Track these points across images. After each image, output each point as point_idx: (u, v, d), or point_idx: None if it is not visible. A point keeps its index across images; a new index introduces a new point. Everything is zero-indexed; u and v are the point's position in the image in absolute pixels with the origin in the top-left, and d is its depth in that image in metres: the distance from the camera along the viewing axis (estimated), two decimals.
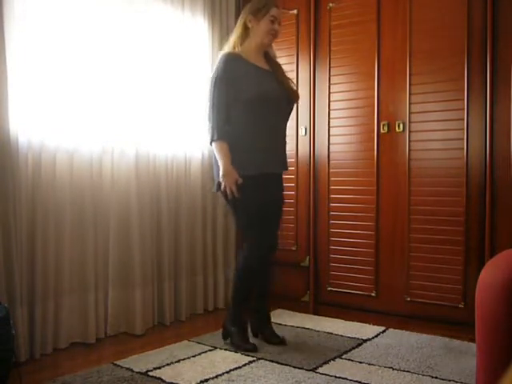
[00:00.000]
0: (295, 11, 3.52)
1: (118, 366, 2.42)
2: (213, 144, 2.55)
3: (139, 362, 2.47)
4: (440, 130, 3.01)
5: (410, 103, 3.09)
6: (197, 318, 3.38)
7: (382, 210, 3.20)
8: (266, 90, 2.55)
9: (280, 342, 2.72)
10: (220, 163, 2.54)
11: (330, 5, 3.37)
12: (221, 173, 2.54)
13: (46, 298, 2.59)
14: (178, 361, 2.49)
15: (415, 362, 2.46)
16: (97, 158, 2.83)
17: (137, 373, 2.33)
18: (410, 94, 3.08)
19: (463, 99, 2.91)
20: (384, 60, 3.19)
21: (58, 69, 2.66)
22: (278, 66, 2.74)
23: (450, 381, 2.22)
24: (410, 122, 3.09)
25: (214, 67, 2.59)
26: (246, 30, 2.64)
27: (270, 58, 2.71)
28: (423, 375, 2.29)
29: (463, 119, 2.92)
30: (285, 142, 2.75)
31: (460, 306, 2.92)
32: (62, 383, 2.22)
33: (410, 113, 3.09)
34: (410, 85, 3.08)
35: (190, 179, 3.39)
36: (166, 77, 3.23)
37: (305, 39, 3.48)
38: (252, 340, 2.71)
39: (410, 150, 3.09)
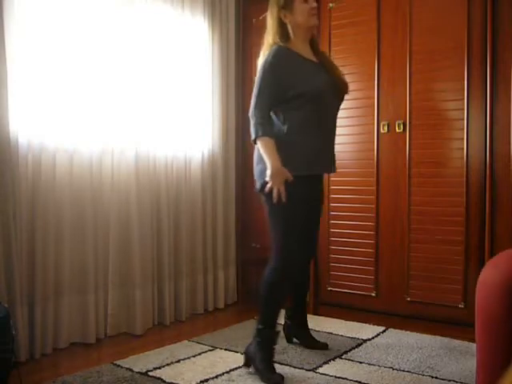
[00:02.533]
0: None
1: (118, 365, 2.42)
2: (257, 141, 2.31)
3: (139, 361, 2.47)
4: (440, 130, 3.01)
5: (410, 103, 3.09)
6: (197, 317, 3.37)
7: (382, 209, 3.19)
8: (318, 84, 2.33)
9: (323, 346, 2.64)
10: (268, 162, 2.27)
11: (330, 5, 3.37)
12: (268, 172, 2.26)
13: (46, 298, 2.59)
14: (178, 361, 2.48)
15: (415, 362, 2.46)
16: (97, 158, 2.83)
17: (137, 373, 2.33)
18: (410, 94, 3.08)
19: (463, 99, 2.91)
20: (384, 60, 3.19)
21: (58, 69, 2.66)
22: (326, 56, 2.54)
23: (449, 381, 2.22)
24: (410, 122, 3.09)
25: (262, 62, 2.35)
26: (282, 26, 2.38)
27: (316, 49, 2.49)
28: (423, 375, 2.29)
29: (463, 119, 2.92)
30: (334, 141, 2.51)
31: (460, 306, 2.92)
32: (61, 383, 2.22)
33: (410, 113, 3.09)
34: (410, 85, 3.08)
35: (190, 179, 3.39)
36: (166, 77, 3.23)
37: None
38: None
39: (410, 150, 3.09)
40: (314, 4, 2.37)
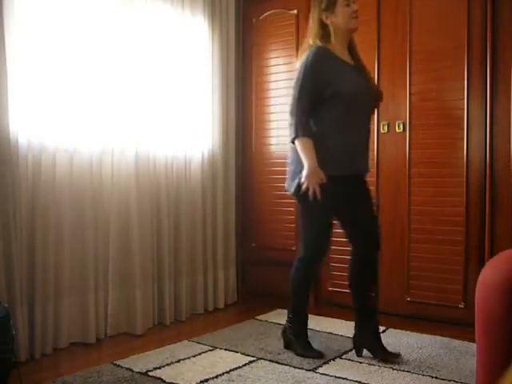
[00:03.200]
0: (295, 11, 3.52)
1: (118, 365, 2.42)
2: (296, 141, 2.35)
3: (139, 361, 2.47)
4: (440, 130, 3.01)
5: (410, 103, 3.09)
6: (197, 317, 3.37)
7: (382, 209, 3.19)
8: (354, 85, 2.36)
9: (397, 356, 2.46)
10: (305, 162, 2.32)
11: None
12: (304, 172, 2.32)
13: (46, 298, 2.59)
14: (178, 361, 2.48)
15: (415, 362, 2.46)
16: (97, 158, 2.83)
17: (137, 373, 2.33)
18: (410, 94, 3.09)
19: (463, 99, 2.91)
20: (384, 60, 3.19)
21: (58, 69, 2.66)
22: (362, 62, 2.52)
23: (449, 381, 2.22)
24: (410, 122, 3.09)
25: (301, 62, 2.38)
26: (324, 28, 2.41)
27: (354, 54, 2.49)
28: (423, 375, 2.29)
29: (463, 119, 2.92)
30: (369, 142, 2.53)
31: (460, 306, 2.92)
32: (62, 383, 2.22)
33: (410, 113, 3.09)
34: (410, 85, 3.08)
35: (190, 179, 3.39)
36: (166, 77, 3.23)
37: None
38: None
39: (410, 150, 3.09)
40: (356, 7, 2.39)
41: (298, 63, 2.45)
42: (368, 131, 2.51)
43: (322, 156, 2.33)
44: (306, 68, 2.34)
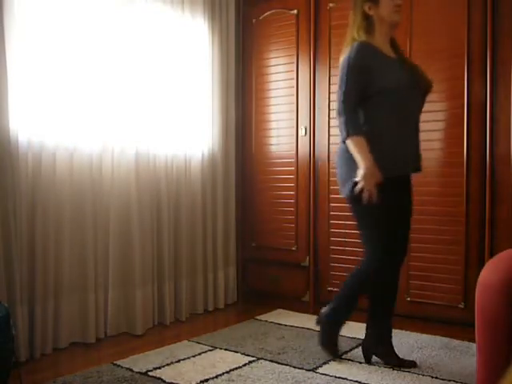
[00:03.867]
0: (295, 11, 3.51)
1: (118, 365, 2.42)
2: (348, 140, 2.25)
3: (139, 361, 2.47)
4: (440, 130, 3.01)
5: None
6: (197, 317, 3.37)
7: None
8: (401, 80, 2.29)
9: (412, 364, 2.40)
10: (361, 161, 2.21)
11: (330, 5, 3.37)
12: (361, 172, 2.20)
13: (46, 298, 2.59)
14: (178, 361, 2.49)
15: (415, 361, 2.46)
16: (97, 157, 2.83)
17: (137, 373, 2.33)
18: None
19: (463, 99, 2.91)
20: None
21: (58, 68, 2.66)
22: (404, 55, 2.49)
23: (449, 381, 2.22)
24: None
25: (345, 58, 2.32)
26: (367, 20, 2.35)
27: (396, 47, 2.44)
28: (423, 375, 2.29)
29: (463, 119, 2.92)
30: (419, 137, 2.41)
31: (460, 306, 2.92)
32: (62, 383, 2.22)
33: None
34: None
35: (190, 179, 3.39)
36: (166, 77, 3.23)
37: (305, 39, 3.47)
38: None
39: None
40: (399, 1, 2.33)
41: (341, 58, 2.37)
42: (418, 128, 2.40)
43: (377, 156, 2.21)
44: (349, 65, 2.27)
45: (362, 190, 2.20)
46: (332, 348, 2.50)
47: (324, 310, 2.51)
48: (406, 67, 2.37)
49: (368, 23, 2.34)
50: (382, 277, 2.39)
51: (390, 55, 2.37)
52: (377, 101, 2.27)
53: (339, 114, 2.28)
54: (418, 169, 2.43)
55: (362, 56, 2.27)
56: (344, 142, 2.28)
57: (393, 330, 2.46)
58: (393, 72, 2.30)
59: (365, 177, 2.19)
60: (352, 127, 2.24)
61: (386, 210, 2.28)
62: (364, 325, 2.92)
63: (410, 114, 2.34)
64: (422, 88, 2.38)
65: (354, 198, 2.27)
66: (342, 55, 2.37)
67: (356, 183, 2.22)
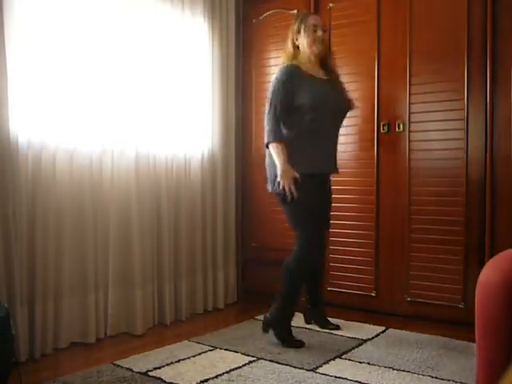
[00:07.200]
0: (295, 11, 3.51)
1: (118, 365, 2.42)
2: (269, 146, 2.67)
3: (139, 361, 2.47)
4: (440, 130, 3.01)
5: (410, 103, 3.09)
6: (197, 317, 3.37)
7: (382, 209, 3.20)
8: (318, 97, 2.66)
9: (335, 327, 2.95)
10: (277, 162, 2.65)
11: (330, 5, 3.37)
12: (278, 171, 2.64)
13: (46, 298, 2.59)
14: (178, 361, 2.48)
15: (415, 361, 2.46)
16: (97, 157, 2.83)
17: (137, 373, 2.33)
18: (409, 94, 3.09)
19: (463, 99, 2.92)
20: (384, 60, 3.19)
21: (58, 69, 2.66)
22: (336, 76, 2.86)
23: (449, 381, 2.22)
24: (410, 122, 3.09)
25: (274, 77, 2.74)
26: (296, 48, 2.78)
27: (329, 70, 2.83)
28: (423, 375, 2.29)
29: (463, 119, 2.92)
30: (336, 146, 2.83)
31: (460, 306, 2.92)
32: (62, 383, 2.22)
33: (410, 113, 3.09)
34: (409, 85, 3.08)
35: (190, 179, 3.39)
36: (166, 77, 3.23)
37: None
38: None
39: (409, 150, 3.09)
40: (319, 34, 2.74)
41: (272, 77, 2.77)
42: (336, 136, 2.81)
43: (294, 156, 2.64)
44: (275, 84, 2.69)
45: (283, 187, 2.63)
46: (294, 342, 2.71)
47: (266, 314, 2.80)
48: (332, 87, 2.76)
49: (296, 50, 2.78)
50: (306, 262, 2.75)
51: (318, 76, 2.75)
52: (299, 113, 2.66)
53: (266, 124, 2.69)
54: (333, 171, 2.85)
55: (286, 76, 2.67)
56: (267, 147, 2.70)
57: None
58: (312, 90, 2.66)
59: (282, 174, 2.62)
60: (273, 135, 2.65)
61: (305, 204, 2.66)
62: (364, 324, 2.96)
63: (325, 125, 2.73)
64: (343, 106, 2.82)
65: (278, 193, 2.69)
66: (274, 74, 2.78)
67: (278, 181, 2.65)
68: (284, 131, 2.68)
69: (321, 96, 2.68)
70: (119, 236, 2.95)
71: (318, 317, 3.04)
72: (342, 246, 3.33)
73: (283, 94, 2.65)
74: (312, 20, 2.77)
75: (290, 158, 2.64)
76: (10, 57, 2.41)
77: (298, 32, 2.77)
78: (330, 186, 2.92)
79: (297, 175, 2.62)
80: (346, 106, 2.83)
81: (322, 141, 2.73)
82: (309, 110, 2.64)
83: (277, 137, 2.65)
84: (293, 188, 2.62)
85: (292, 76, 2.67)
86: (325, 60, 2.83)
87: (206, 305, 3.50)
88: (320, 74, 2.79)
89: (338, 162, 2.86)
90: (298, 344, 2.69)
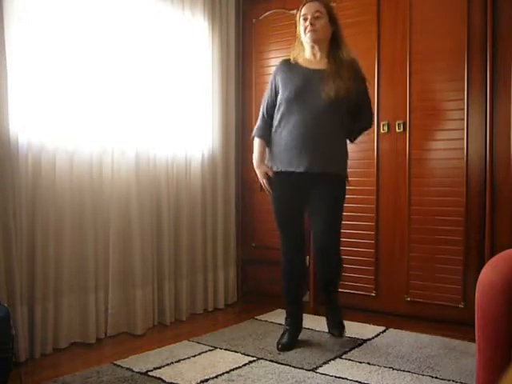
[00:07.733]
0: (295, 11, 3.50)
1: (118, 365, 2.42)
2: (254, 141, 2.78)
3: (139, 361, 2.47)
4: (440, 130, 3.01)
5: (410, 103, 3.09)
6: (197, 317, 3.37)
7: (382, 209, 3.20)
8: (293, 90, 2.58)
9: (338, 335, 2.82)
10: (253, 157, 2.76)
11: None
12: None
13: (46, 298, 2.59)
14: (178, 361, 2.49)
15: (415, 361, 2.46)
16: (97, 158, 2.83)
17: (137, 373, 2.33)
18: (409, 94, 3.09)
19: (463, 99, 2.92)
20: (384, 60, 3.19)
21: (58, 70, 2.66)
22: (339, 67, 2.59)
23: (449, 381, 2.22)
24: (410, 122, 3.09)
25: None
26: (298, 40, 2.73)
27: (335, 59, 2.62)
28: (423, 375, 2.29)
29: (463, 119, 2.92)
30: (325, 141, 2.57)
31: (460, 306, 2.92)
32: (62, 383, 2.22)
33: (410, 113, 3.09)
34: (409, 85, 3.08)
35: (190, 179, 3.39)
36: (166, 77, 3.23)
37: None
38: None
39: (409, 150, 3.09)
40: (307, 23, 2.60)
41: None
42: (319, 131, 2.55)
43: (269, 152, 2.71)
44: (270, 80, 2.76)
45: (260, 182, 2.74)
46: (278, 343, 2.71)
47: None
48: (323, 78, 2.55)
49: (299, 41, 2.72)
50: (285, 271, 2.75)
51: (311, 67, 2.62)
52: (279, 107, 2.65)
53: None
54: (309, 168, 2.57)
55: (273, 74, 2.74)
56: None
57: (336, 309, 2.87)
58: (287, 84, 2.61)
59: (255, 169, 2.74)
60: (256, 131, 2.75)
61: (273, 204, 2.74)
62: (364, 324, 2.95)
63: (301, 119, 2.56)
64: (319, 98, 2.53)
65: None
66: None
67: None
68: (265, 126, 2.73)
69: (295, 89, 2.57)
70: (119, 236, 2.95)
71: (328, 318, 2.90)
72: (342, 246, 3.31)
73: (268, 90, 2.74)
74: (303, 9, 2.65)
75: (268, 153, 2.73)
76: (10, 57, 2.41)
77: (297, 23, 2.72)
78: (331, 185, 2.64)
79: (269, 171, 2.69)
80: (327, 97, 2.52)
81: (296, 136, 2.55)
82: (282, 103, 2.62)
83: (256, 133, 2.75)
84: (265, 183, 2.71)
85: (276, 72, 2.72)
86: (335, 48, 2.64)
87: (206, 305, 3.50)
88: (321, 63, 2.63)
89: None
90: (277, 346, 2.66)
